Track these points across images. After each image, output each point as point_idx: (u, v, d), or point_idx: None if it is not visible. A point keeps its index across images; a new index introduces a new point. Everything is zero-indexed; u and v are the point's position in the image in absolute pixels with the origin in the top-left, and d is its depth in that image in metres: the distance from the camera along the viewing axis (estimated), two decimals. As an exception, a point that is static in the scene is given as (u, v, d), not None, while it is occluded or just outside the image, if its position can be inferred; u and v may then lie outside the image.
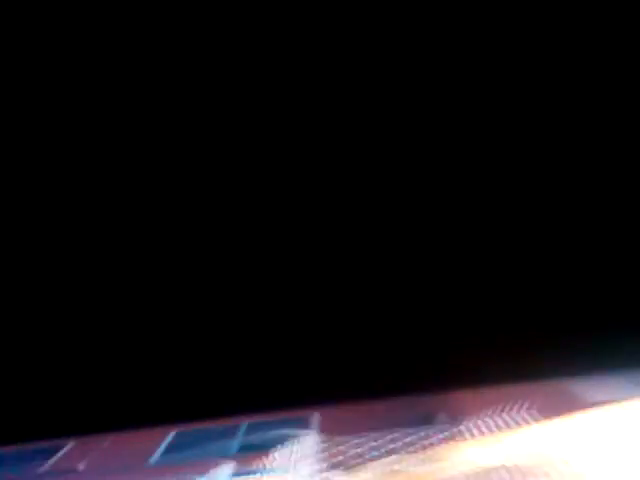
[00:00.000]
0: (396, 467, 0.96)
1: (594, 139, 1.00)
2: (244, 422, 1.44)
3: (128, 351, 1.23)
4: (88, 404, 1.00)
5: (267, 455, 1.13)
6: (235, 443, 1.27)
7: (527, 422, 1.09)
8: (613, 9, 1.06)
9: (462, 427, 1.12)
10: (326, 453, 1.06)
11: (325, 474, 0.98)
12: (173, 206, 0.91)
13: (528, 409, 1.14)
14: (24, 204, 0.88)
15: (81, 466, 1.01)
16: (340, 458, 1.04)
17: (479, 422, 1.14)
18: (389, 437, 1.09)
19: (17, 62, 0.84)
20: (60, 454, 1.16)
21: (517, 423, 1.05)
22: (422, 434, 1.10)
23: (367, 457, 0.99)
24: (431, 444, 1.06)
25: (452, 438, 1.07)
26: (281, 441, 1.16)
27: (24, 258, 0.89)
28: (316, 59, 0.87)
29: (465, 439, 1.07)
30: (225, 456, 1.20)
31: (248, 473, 1.05)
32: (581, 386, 1.17)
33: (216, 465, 1.09)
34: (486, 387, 1.22)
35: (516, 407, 1.13)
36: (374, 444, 1.04)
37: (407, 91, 0.91)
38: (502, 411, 1.13)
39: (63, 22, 0.84)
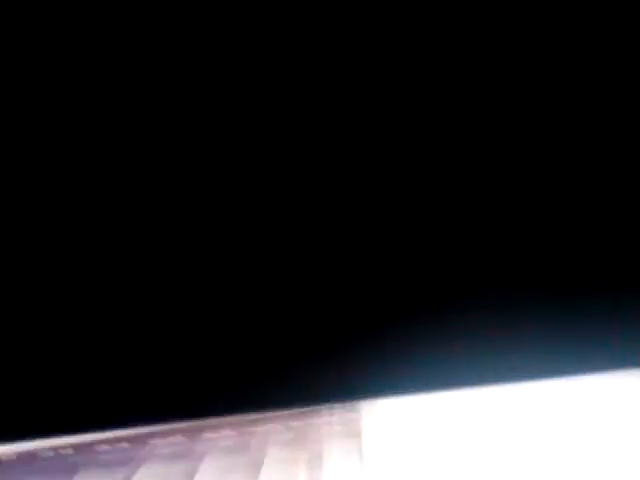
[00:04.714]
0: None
1: (594, 139, 1.00)
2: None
3: (129, 349, 1.23)
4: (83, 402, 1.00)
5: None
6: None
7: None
8: (613, 9, 1.07)
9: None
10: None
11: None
12: (172, 205, 0.91)
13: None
14: (24, 204, 0.88)
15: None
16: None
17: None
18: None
19: (16, 62, 0.85)
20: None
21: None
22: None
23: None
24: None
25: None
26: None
27: (24, 257, 0.90)
28: (316, 59, 0.88)
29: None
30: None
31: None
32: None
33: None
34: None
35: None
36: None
37: (407, 91, 0.91)
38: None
39: (63, 22, 0.85)
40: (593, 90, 1.07)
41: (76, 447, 0.88)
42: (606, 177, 1.02)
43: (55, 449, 0.91)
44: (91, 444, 0.90)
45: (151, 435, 0.92)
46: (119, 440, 0.89)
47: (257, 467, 0.78)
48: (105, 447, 0.88)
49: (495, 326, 0.96)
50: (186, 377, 1.00)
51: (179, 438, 0.91)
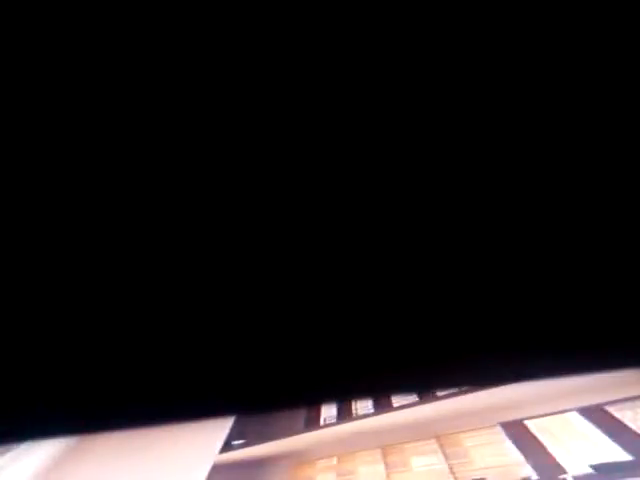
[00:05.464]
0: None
1: (594, 140, 0.99)
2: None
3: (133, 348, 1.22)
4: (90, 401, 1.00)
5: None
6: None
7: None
8: (613, 9, 1.06)
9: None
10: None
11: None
12: (173, 205, 0.91)
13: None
14: (24, 204, 0.88)
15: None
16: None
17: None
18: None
19: (16, 62, 0.85)
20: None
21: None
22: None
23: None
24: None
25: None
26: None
27: (24, 257, 0.89)
28: (316, 59, 0.87)
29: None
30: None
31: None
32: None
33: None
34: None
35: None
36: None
37: (407, 91, 0.91)
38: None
39: (63, 22, 0.85)
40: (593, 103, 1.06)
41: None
42: (605, 180, 1.01)
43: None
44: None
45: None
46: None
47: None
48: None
49: (494, 326, 0.96)
50: (186, 378, 1.00)
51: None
